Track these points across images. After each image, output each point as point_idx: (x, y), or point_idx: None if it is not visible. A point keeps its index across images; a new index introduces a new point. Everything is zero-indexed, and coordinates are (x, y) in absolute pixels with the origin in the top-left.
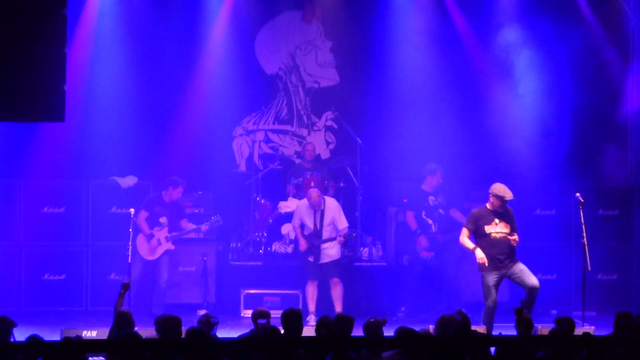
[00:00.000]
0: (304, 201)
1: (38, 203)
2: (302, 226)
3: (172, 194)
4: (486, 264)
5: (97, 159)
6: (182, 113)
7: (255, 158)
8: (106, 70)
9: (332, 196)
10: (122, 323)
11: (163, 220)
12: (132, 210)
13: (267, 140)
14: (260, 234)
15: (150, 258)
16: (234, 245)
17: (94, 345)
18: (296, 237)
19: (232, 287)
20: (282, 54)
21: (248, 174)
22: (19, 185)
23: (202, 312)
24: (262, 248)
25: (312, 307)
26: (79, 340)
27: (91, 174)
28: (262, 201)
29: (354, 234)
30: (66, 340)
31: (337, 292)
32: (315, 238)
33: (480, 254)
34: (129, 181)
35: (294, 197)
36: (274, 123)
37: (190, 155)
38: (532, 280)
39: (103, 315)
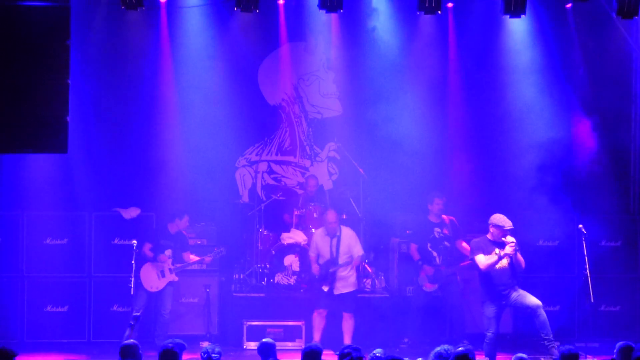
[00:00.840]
0: (319, 230)
1: (40, 234)
2: (318, 257)
3: (180, 224)
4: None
5: (99, 190)
6: (184, 144)
7: (258, 189)
8: (109, 102)
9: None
10: (129, 355)
11: (168, 253)
12: (134, 242)
13: (270, 171)
14: (262, 265)
15: (154, 290)
16: (237, 276)
17: None
18: (305, 266)
19: (235, 319)
20: (285, 85)
21: (251, 205)
22: (22, 216)
23: (205, 343)
24: (265, 279)
25: (317, 337)
26: None
27: (94, 206)
28: (265, 232)
29: (367, 260)
30: None
31: (348, 325)
32: (331, 265)
33: (510, 239)
34: (131, 213)
35: (297, 228)
36: (276, 154)
37: (193, 186)
38: (533, 300)
39: (105, 347)
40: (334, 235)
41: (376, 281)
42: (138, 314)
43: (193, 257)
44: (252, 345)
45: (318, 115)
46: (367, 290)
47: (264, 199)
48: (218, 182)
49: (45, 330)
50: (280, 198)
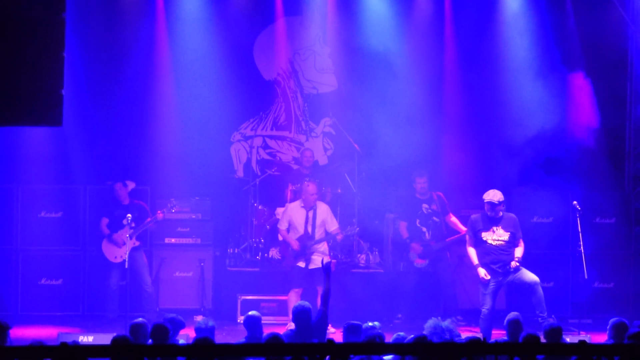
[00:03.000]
0: (294, 202)
1: (35, 208)
2: (288, 230)
3: (120, 193)
4: (487, 280)
5: (94, 164)
6: (180, 118)
7: (253, 164)
8: (104, 76)
9: (329, 202)
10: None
11: (128, 216)
12: (129, 215)
13: (265, 146)
14: (257, 240)
15: (119, 260)
16: (231, 251)
17: (92, 351)
18: (283, 241)
19: (229, 293)
20: (281, 60)
21: (246, 180)
22: (16, 190)
23: (199, 317)
24: (260, 254)
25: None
26: (76, 345)
27: (88, 179)
28: (260, 207)
29: (357, 229)
30: (63, 345)
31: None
32: (307, 241)
33: (481, 273)
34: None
35: (291, 203)
36: (272, 129)
37: (187, 161)
38: (531, 276)
39: (99, 320)
40: (310, 207)
41: (370, 256)
42: None
43: (148, 219)
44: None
45: (313, 90)
46: (361, 265)
47: (259, 173)
48: (213, 156)
49: (39, 303)
50: (275, 173)
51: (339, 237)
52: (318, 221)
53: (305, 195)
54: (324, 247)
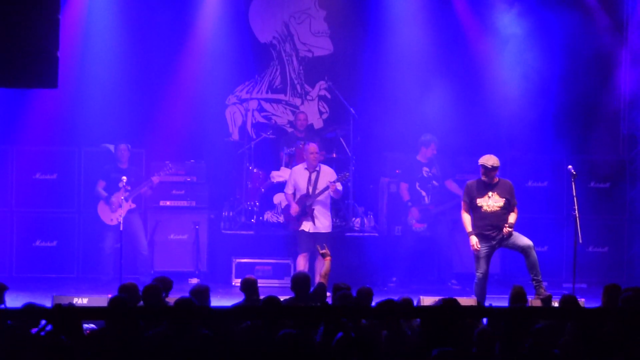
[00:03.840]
0: (298, 165)
1: (30, 169)
2: (294, 195)
3: (118, 154)
4: (478, 249)
5: (89, 126)
6: (174, 81)
7: (248, 127)
8: (99, 37)
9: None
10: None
11: (123, 178)
12: (124, 178)
13: (261, 109)
14: (252, 203)
15: (114, 222)
16: (226, 214)
17: (87, 313)
18: (287, 205)
19: (224, 256)
20: (276, 23)
21: (241, 142)
22: (11, 151)
23: (194, 280)
24: (254, 217)
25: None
26: (72, 307)
27: (84, 141)
28: (255, 170)
29: (348, 174)
30: (59, 307)
31: (320, 265)
32: (307, 199)
33: (473, 240)
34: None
35: (287, 166)
36: (267, 92)
37: (182, 124)
38: (525, 240)
39: (94, 282)
40: (313, 169)
41: (365, 220)
42: None
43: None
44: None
45: (309, 53)
46: (356, 229)
47: (254, 137)
48: (208, 119)
49: (33, 265)
50: (271, 136)
51: (332, 188)
52: (321, 182)
53: (306, 155)
54: (326, 214)
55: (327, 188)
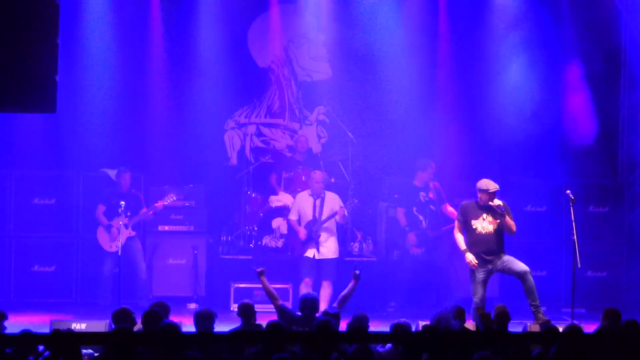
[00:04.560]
0: (303, 192)
1: (29, 194)
2: (299, 221)
3: (121, 182)
4: (475, 266)
5: (88, 150)
6: (173, 105)
7: (247, 151)
8: (98, 62)
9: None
10: (122, 321)
11: (122, 203)
12: (122, 202)
13: (259, 134)
14: (250, 227)
15: (114, 249)
16: (225, 238)
17: (86, 338)
18: (288, 231)
19: (222, 281)
20: (275, 47)
21: (239, 167)
22: (10, 175)
23: (192, 305)
24: (253, 242)
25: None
26: (70, 332)
27: (82, 166)
28: (253, 195)
29: (357, 201)
30: (56, 333)
31: (326, 293)
32: (313, 225)
33: (469, 257)
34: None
35: (285, 191)
36: (265, 116)
37: (181, 148)
38: (521, 266)
39: (92, 307)
40: (318, 196)
41: (363, 245)
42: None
43: (144, 210)
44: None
45: (308, 78)
46: (355, 254)
47: (253, 161)
48: (207, 144)
49: (32, 290)
50: (269, 161)
51: (341, 212)
52: (326, 209)
53: (312, 183)
54: (331, 240)
55: (335, 214)
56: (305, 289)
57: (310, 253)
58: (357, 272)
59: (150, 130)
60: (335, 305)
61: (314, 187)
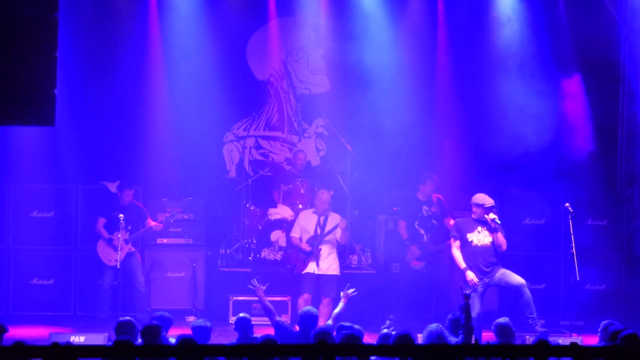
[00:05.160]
0: (308, 210)
1: (27, 207)
2: (301, 239)
3: (123, 197)
4: (477, 284)
5: (87, 163)
6: (172, 118)
7: (246, 164)
8: (96, 76)
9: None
10: (124, 332)
11: (121, 216)
12: (121, 215)
13: (258, 147)
14: (249, 240)
15: (113, 263)
16: (223, 251)
17: (84, 351)
18: (289, 247)
19: (221, 294)
20: (273, 61)
21: (238, 180)
22: (8, 189)
23: (191, 318)
24: (252, 255)
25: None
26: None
27: (81, 179)
28: (252, 208)
29: (357, 212)
30: (55, 346)
31: (325, 310)
32: (314, 240)
33: (470, 276)
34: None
35: (284, 203)
36: (264, 129)
37: (180, 161)
38: (517, 278)
39: (91, 320)
40: (322, 214)
41: (362, 258)
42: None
43: (151, 223)
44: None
45: (306, 91)
46: (353, 266)
47: (252, 174)
48: (205, 156)
49: (31, 303)
50: (268, 174)
51: (342, 225)
52: (329, 226)
53: (318, 202)
54: (332, 257)
55: (336, 227)
56: (303, 304)
57: (311, 268)
58: (350, 291)
59: (149, 143)
60: (330, 323)
61: (320, 206)
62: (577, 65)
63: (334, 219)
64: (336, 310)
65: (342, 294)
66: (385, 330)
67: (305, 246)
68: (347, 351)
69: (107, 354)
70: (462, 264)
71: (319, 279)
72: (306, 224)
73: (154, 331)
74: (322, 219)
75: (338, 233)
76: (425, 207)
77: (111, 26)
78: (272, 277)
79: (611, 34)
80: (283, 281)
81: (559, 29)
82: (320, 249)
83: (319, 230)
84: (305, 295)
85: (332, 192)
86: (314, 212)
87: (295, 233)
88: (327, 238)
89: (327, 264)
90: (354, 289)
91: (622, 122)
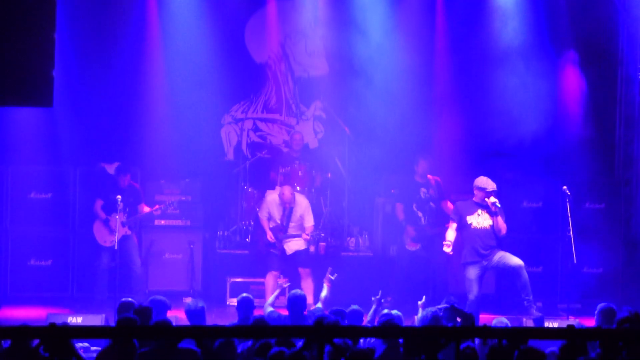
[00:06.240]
0: (275, 196)
1: (25, 188)
2: (269, 218)
3: (120, 180)
4: (449, 250)
5: (84, 145)
6: (170, 100)
7: (244, 147)
8: (94, 57)
9: (319, 186)
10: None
11: (118, 197)
12: (119, 197)
13: (256, 129)
14: (247, 222)
15: (108, 244)
16: (221, 233)
17: (81, 332)
18: (258, 225)
19: (219, 275)
20: (272, 43)
21: (236, 162)
22: (6, 170)
23: (188, 299)
24: (249, 237)
25: (270, 299)
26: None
27: (79, 160)
28: (250, 190)
29: (322, 234)
30: (52, 326)
31: (307, 285)
32: (279, 232)
33: (446, 245)
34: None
35: (282, 186)
36: (262, 112)
37: (178, 143)
38: (515, 260)
39: (88, 301)
40: (288, 206)
41: (360, 240)
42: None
43: (145, 209)
44: (236, 301)
45: (304, 73)
46: (351, 249)
47: (249, 156)
48: (203, 139)
49: (28, 284)
50: (266, 156)
51: (304, 237)
52: (295, 217)
53: (282, 197)
54: (296, 241)
55: (298, 235)
56: (271, 280)
57: (276, 250)
58: (332, 276)
59: (146, 125)
60: (320, 306)
61: (283, 200)
62: (575, 49)
63: (299, 205)
64: (323, 295)
65: (324, 279)
66: (393, 312)
67: (270, 236)
68: (347, 333)
69: (106, 335)
70: (448, 236)
71: (288, 257)
72: (273, 211)
73: (146, 313)
74: (287, 210)
75: (304, 220)
76: (423, 190)
77: (109, 8)
78: (269, 258)
79: (610, 18)
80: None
81: (558, 13)
82: (286, 240)
83: (285, 221)
84: (274, 272)
85: (329, 175)
86: (280, 204)
87: (262, 214)
88: (293, 224)
89: (295, 244)
90: (335, 274)
91: (620, 105)
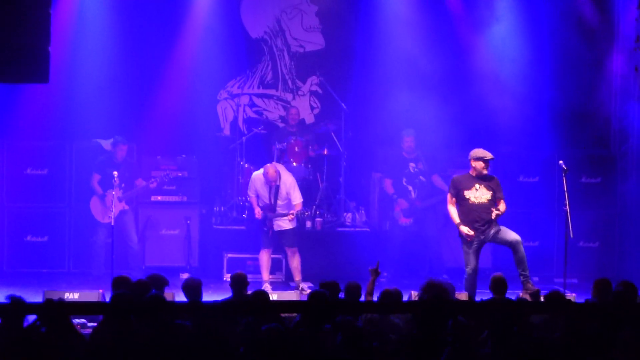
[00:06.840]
0: (260, 175)
1: (21, 164)
2: (257, 196)
3: (117, 153)
4: (472, 237)
5: (80, 120)
6: (166, 76)
7: (240, 122)
8: (91, 32)
9: (315, 161)
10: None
11: (115, 173)
12: (115, 173)
13: (252, 105)
14: (243, 198)
15: (106, 220)
16: (217, 209)
17: (78, 308)
18: (250, 204)
19: (215, 251)
20: (268, 18)
21: (232, 138)
22: (2, 146)
23: (185, 275)
24: (246, 212)
25: (265, 276)
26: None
27: (74, 136)
28: (246, 165)
29: (307, 213)
30: (49, 302)
31: (294, 262)
32: (268, 211)
33: (464, 230)
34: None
35: (278, 161)
36: (258, 87)
37: (174, 118)
38: (513, 235)
39: (85, 277)
40: (273, 185)
41: (357, 215)
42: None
43: (140, 182)
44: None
45: (300, 48)
46: (348, 224)
47: (246, 132)
48: (199, 114)
49: (24, 260)
50: (262, 131)
51: (290, 217)
52: (281, 195)
53: (266, 177)
54: (284, 219)
55: (286, 214)
56: (265, 257)
57: (266, 228)
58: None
59: (142, 100)
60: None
61: (267, 180)
62: (570, 18)
63: (284, 184)
64: (370, 287)
65: (370, 270)
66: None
67: (257, 213)
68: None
69: (99, 310)
70: (456, 219)
71: (275, 234)
72: (260, 189)
73: (144, 288)
74: (273, 188)
75: (292, 197)
76: (412, 164)
77: None
78: (261, 236)
79: None
80: (277, 239)
81: None
82: (275, 218)
83: (272, 200)
84: (266, 249)
85: (326, 151)
86: (265, 183)
87: (250, 192)
88: (282, 203)
89: (282, 222)
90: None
91: (616, 78)
